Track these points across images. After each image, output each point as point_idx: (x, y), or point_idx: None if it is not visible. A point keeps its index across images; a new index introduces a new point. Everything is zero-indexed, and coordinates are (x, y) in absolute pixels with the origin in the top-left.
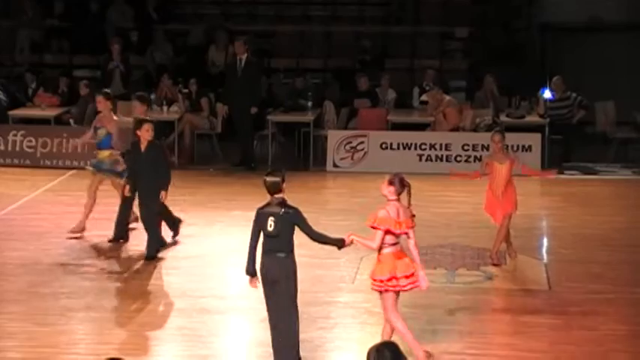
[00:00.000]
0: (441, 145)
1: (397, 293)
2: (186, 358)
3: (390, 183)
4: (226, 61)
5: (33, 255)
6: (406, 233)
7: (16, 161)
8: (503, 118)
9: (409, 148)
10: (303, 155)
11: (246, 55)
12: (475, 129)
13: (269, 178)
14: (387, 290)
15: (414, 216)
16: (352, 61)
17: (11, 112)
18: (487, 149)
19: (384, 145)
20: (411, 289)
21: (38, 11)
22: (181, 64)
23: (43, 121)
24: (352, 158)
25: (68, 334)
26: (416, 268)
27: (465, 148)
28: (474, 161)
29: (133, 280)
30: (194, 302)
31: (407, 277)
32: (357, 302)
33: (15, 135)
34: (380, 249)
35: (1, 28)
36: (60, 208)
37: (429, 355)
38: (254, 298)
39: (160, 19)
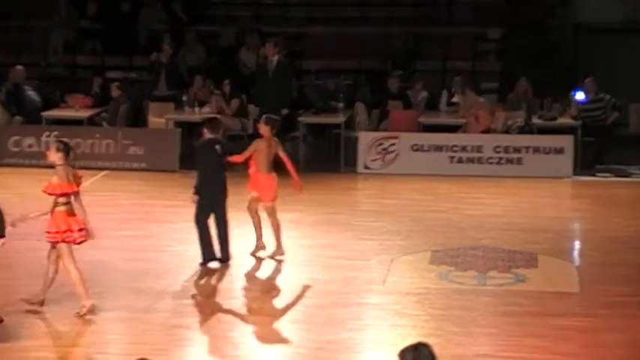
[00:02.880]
0: (472, 147)
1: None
2: (216, 359)
3: (58, 150)
4: (257, 63)
5: None
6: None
7: (49, 162)
8: (535, 120)
9: (440, 150)
10: (334, 157)
11: (277, 56)
12: (507, 131)
13: None
14: (63, 241)
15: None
16: (384, 63)
17: (45, 113)
18: (519, 151)
19: (415, 147)
20: (82, 241)
21: (72, 12)
22: (213, 66)
23: (76, 122)
24: (383, 160)
25: (100, 333)
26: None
27: (497, 150)
28: (506, 163)
29: (164, 280)
30: (224, 303)
31: (79, 230)
32: (387, 304)
33: (48, 136)
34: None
35: (35, 28)
36: (92, 208)
37: (93, 308)
38: (284, 298)
39: (191, 21)
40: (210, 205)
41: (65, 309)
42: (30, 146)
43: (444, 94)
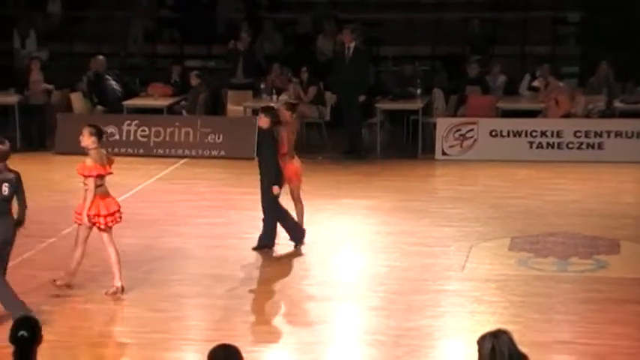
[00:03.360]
0: (552, 132)
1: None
2: (294, 345)
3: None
4: (334, 50)
5: (145, 242)
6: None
7: (130, 150)
8: (617, 103)
9: (519, 136)
10: (412, 143)
11: (354, 43)
12: (587, 115)
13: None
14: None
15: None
16: (461, 48)
17: (125, 102)
18: (600, 136)
19: (493, 133)
20: (110, 226)
21: (151, 2)
22: (290, 53)
23: (156, 111)
24: (461, 146)
25: (180, 320)
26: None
27: (577, 134)
28: (587, 148)
29: (242, 267)
30: (302, 289)
31: (107, 215)
32: (466, 291)
33: (129, 125)
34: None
35: (116, 18)
36: (172, 196)
37: (69, 288)
38: (362, 285)
39: (268, 9)
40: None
41: (144, 295)
42: (111, 135)
43: (526, 77)
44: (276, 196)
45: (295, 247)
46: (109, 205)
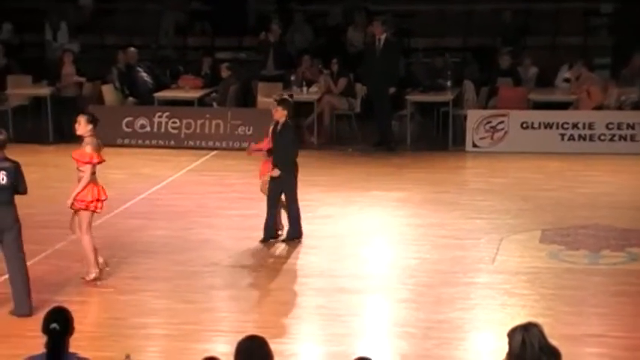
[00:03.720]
0: (584, 124)
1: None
2: (324, 337)
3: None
4: (365, 42)
5: (177, 234)
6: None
7: (161, 142)
8: None
9: (551, 128)
10: (442, 135)
11: (385, 35)
12: (620, 107)
13: None
14: (88, 209)
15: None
16: (492, 40)
17: (156, 94)
18: (632, 128)
19: (524, 125)
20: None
21: None
22: (321, 45)
23: (187, 103)
24: (492, 138)
25: (211, 311)
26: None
27: (610, 126)
28: (619, 140)
29: (272, 259)
30: (332, 281)
31: (101, 200)
32: (496, 283)
33: (160, 116)
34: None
35: (147, 11)
36: (202, 188)
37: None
38: (392, 277)
39: (299, 1)
40: None
41: (174, 286)
42: (142, 127)
43: (564, 69)
44: (274, 179)
45: (261, 241)
46: (104, 191)
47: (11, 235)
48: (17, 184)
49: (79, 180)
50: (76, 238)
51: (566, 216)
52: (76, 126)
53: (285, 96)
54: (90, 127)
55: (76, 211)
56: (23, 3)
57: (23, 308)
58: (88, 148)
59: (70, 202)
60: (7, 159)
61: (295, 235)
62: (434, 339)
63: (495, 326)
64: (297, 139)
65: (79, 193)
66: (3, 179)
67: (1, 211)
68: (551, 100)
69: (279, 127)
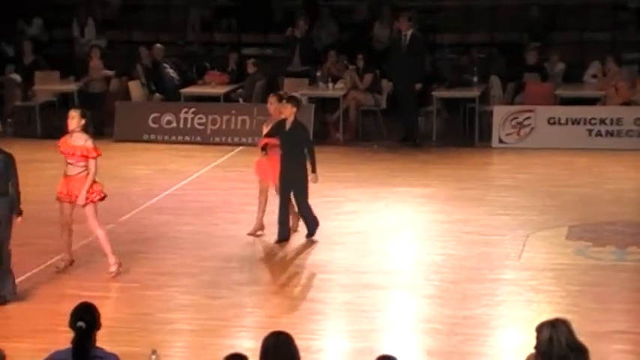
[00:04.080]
0: (611, 119)
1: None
2: (350, 333)
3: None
4: (391, 37)
5: (203, 229)
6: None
7: (187, 138)
8: None
9: (578, 124)
10: (469, 131)
11: (410, 30)
12: None
13: None
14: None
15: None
16: (519, 35)
17: (183, 90)
18: None
19: (551, 121)
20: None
21: None
22: (346, 41)
23: (213, 99)
24: (518, 134)
25: (237, 307)
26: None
27: (638, 122)
28: None
29: (298, 254)
30: (358, 277)
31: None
32: (522, 280)
33: (186, 112)
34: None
35: (174, 7)
36: (228, 183)
37: (120, 265)
38: (418, 273)
39: None
40: None
41: (200, 282)
42: (168, 123)
43: (595, 64)
44: (285, 177)
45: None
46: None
47: (1, 227)
48: (11, 178)
49: (72, 174)
50: (67, 232)
51: (593, 212)
52: (70, 121)
53: (294, 93)
54: (83, 121)
55: (73, 207)
56: None
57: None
58: (89, 143)
59: (83, 200)
60: (1, 150)
61: (312, 231)
62: (459, 335)
63: (521, 323)
64: (308, 136)
65: (89, 188)
66: None
67: None
68: (578, 95)
69: (288, 125)
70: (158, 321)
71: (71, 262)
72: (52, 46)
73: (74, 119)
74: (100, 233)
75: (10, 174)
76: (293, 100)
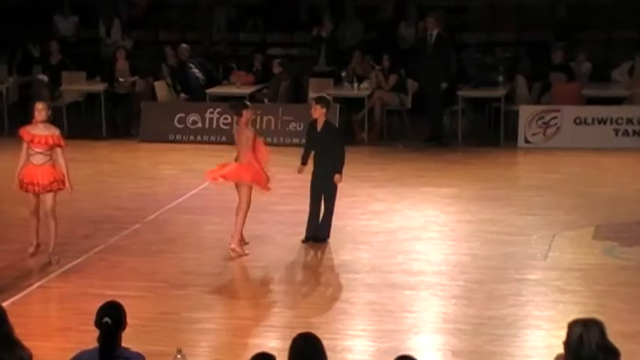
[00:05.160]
0: (638, 119)
1: None
2: (375, 333)
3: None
4: (416, 37)
5: (228, 229)
6: None
7: (212, 138)
8: None
9: (604, 123)
10: (494, 131)
11: (437, 30)
12: None
13: None
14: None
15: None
16: (545, 34)
17: (208, 90)
18: None
19: (577, 120)
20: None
21: None
22: (372, 41)
23: (239, 99)
24: (544, 134)
25: (262, 307)
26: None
27: None
28: None
29: (323, 254)
30: (384, 277)
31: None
32: (548, 280)
33: (212, 112)
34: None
35: (199, 6)
36: None
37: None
38: (443, 273)
39: None
40: None
41: (226, 281)
42: (194, 123)
43: (625, 65)
44: (319, 180)
45: (306, 242)
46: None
47: None
48: None
49: (38, 163)
50: (36, 219)
51: (620, 212)
52: (40, 112)
53: (324, 94)
54: (49, 113)
55: (40, 195)
56: None
57: None
58: (57, 132)
59: (70, 187)
60: None
61: (324, 237)
62: (485, 335)
63: (547, 323)
64: (342, 137)
65: (58, 177)
66: None
67: None
68: (605, 95)
69: (319, 127)
70: (184, 320)
71: (38, 246)
72: (79, 47)
73: (43, 111)
74: (54, 223)
75: None
76: (323, 101)
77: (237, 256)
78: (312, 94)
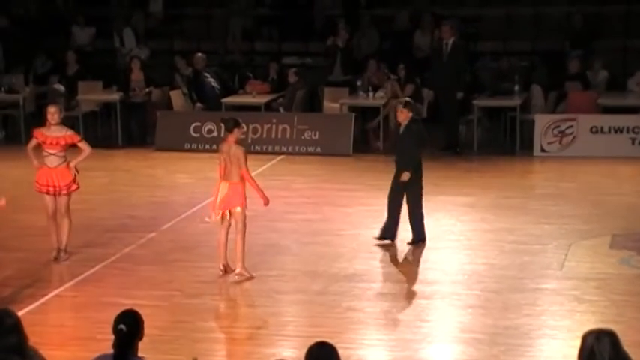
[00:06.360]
0: None
1: None
2: (391, 342)
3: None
4: (432, 46)
5: None
6: None
7: None
8: None
9: (621, 132)
10: (510, 140)
11: (452, 39)
12: None
13: None
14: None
15: None
16: (561, 43)
17: (224, 100)
18: None
19: (593, 129)
20: None
21: (250, 0)
22: (387, 50)
23: (254, 108)
24: (560, 143)
25: (276, 315)
26: None
27: None
28: None
29: (338, 263)
30: (400, 287)
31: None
32: (564, 289)
33: None
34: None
35: (215, 16)
36: (269, 192)
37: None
38: (459, 282)
39: (366, 5)
40: None
41: (241, 290)
42: (209, 132)
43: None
44: (403, 183)
45: (383, 240)
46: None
47: None
48: None
49: (53, 165)
50: (54, 222)
51: (637, 221)
52: (52, 115)
53: (408, 99)
54: (62, 115)
55: (56, 196)
56: (94, 10)
57: None
58: (70, 132)
59: (76, 169)
60: None
61: (420, 238)
62: (501, 345)
63: (564, 332)
64: (421, 140)
65: (74, 179)
66: None
67: None
68: (621, 104)
69: (402, 130)
70: (199, 329)
71: (59, 251)
72: (95, 57)
73: (55, 114)
74: (68, 223)
75: None
76: (409, 105)
77: (245, 280)
78: (327, 103)
